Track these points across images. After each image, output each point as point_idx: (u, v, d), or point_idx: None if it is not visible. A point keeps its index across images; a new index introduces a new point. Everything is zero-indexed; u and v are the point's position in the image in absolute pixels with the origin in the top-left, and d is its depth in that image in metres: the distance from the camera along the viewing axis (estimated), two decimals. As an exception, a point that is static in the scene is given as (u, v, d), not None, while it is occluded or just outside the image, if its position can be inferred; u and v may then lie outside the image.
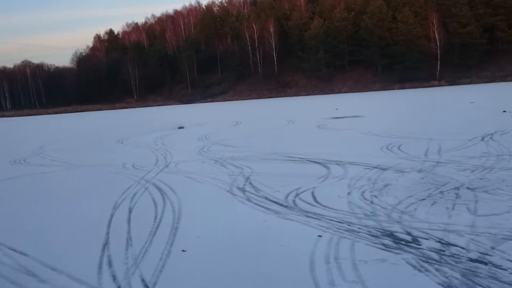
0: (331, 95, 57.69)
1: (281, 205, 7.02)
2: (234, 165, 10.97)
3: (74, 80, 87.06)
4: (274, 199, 7.38)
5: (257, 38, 74.38)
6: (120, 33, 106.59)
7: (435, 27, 57.69)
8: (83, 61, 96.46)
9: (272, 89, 70.27)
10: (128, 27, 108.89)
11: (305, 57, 69.08)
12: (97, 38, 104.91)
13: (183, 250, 5.34)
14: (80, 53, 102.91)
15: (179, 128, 22.30)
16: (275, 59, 73.19)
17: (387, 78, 59.61)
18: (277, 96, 66.25)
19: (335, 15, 67.95)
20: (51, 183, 11.06)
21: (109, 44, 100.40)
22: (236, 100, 68.09)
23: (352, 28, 66.64)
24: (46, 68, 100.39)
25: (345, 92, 60.84)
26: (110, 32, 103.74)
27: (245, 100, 64.59)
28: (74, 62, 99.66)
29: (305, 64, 68.80)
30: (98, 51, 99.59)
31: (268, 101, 56.31)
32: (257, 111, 37.01)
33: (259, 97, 66.92)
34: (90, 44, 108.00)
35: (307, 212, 6.53)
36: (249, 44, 75.47)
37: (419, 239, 5.13)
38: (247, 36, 75.52)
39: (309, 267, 4.58)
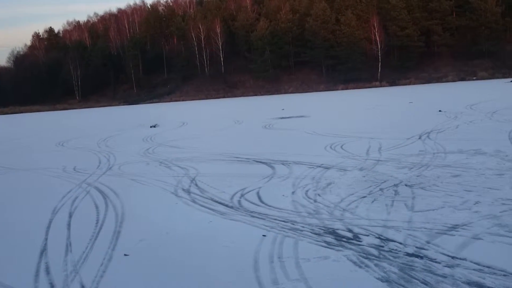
0: (278, 95, 58.37)
1: (227, 206, 7.02)
2: (179, 166, 10.85)
3: (11, 80, 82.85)
4: (220, 200, 7.36)
5: (203, 38, 73.91)
6: (60, 32, 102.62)
7: (376, 30, 59.75)
8: (21, 60, 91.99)
9: (219, 90, 70.09)
10: (70, 26, 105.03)
11: (252, 58, 69.44)
12: (36, 36, 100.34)
13: (125, 254, 5.22)
14: (18, 52, 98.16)
15: (151, 127, 22.02)
16: (222, 59, 73.05)
17: (332, 79, 61.05)
18: (224, 97, 66.17)
19: (280, 16, 68.75)
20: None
21: (49, 42, 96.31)
22: (183, 100, 67.38)
23: (297, 30, 67.66)
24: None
25: (291, 92, 61.70)
26: (50, 30, 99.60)
27: (192, 101, 64.08)
28: (11, 62, 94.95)
29: (252, 65, 69.16)
30: (37, 50, 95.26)
31: (216, 101, 56.18)
32: (204, 112, 36.81)
33: (207, 98, 66.59)
34: (29, 43, 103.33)
35: (252, 212, 6.56)
36: (195, 44, 74.84)
37: (360, 236, 5.28)
38: (193, 36, 74.89)
39: (253, 266, 4.60)
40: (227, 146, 14.04)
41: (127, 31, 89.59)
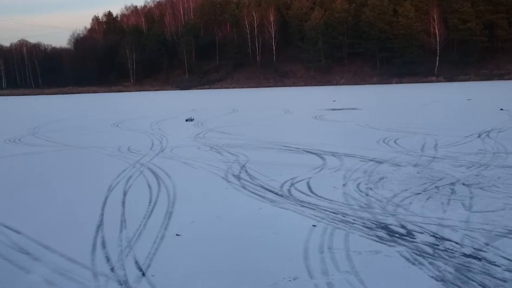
0: (329, 86, 57.62)
1: (276, 193, 7.01)
2: (229, 152, 10.94)
3: (70, 62, 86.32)
4: (270, 188, 7.36)
5: (256, 27, 73.89)
6: (118, 16, 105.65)
7: (436, 23, 57.56)
8: (81, 42, 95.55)
9: (269, 79, 70.02)
10: (127, 10, 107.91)
11: (304, 48, 68.80)
12: (95, 20, 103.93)
13: (177, 234, 5.32)
14: (78, 34, 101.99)
15: (186, 120, 19.49)
16: (274, 48, 72.86)
17: (385, 72, 59.52)
18: (274, 86, 66.07)
19: (335, 6, 67.56)
20: (46, 163, 11.01)
21: (107, 26, 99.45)
22: (233, 88, 67.87)
23: (352, 20, 66.33)
24: (42, 48, 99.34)
25: (342, 84, 60.75)
26: (109, 15, 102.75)
27: (243, 88, 64.39)
28: (71, 43, 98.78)
29: (304, 54, 68.55)
30: (96, 33, 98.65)
31: (266, 90, 56.18)
32: (254, 100, 36.91)
33: (257, 86, 66.71)
34: (88, 26, 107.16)
35: (302, 201, 6.51)
36: (248, 32, 75.00)
37: (414, 233, 5.13)
38: (246, 24, 75.03)
39: (302, 256, 4.57)
40: (277, 135, 14.01)
41: (182, 17, 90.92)
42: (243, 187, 7.53)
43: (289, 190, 7.16)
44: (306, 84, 64.62)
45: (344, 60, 67.98)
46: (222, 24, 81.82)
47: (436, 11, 57.99)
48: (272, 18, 72.53)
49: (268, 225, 5.55)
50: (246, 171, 8.71)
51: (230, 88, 68.51)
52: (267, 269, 4.33)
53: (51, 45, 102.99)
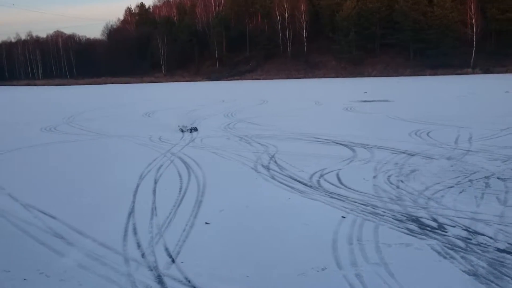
0: (360, 78, 56.76)
1: (306, 184, 7.00)
2: (259, 143, 10.96)
3: (104, 53, 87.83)
4: (299, 179, 7.35)
5: (287, 17, 73.33)
6: (150, 7, 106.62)
7: (473, 12, 55.77)
8: (114, 33, 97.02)
9: (300, 70, 69.49)
10: (159, 1, 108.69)
11: (336, 39, 67.88)
12: (128, 11, 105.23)
13: (206, 223, 5.39)
14: (111, 25, 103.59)
15: (182, 130, 17.70)
16: (304, 39, 72.15)
17: (419, 64, 58.14)
18: (305, 77, 65.55)
19: (369, -4, 66.28)
20: (80, 151, 11.29)
21: (140, 17, 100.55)
22: (263, 79, 67.70)
23: (385, 10, 64.95)
24: (77, 39, 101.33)
25: (374, 76, 59.73)
26: (141, 6, 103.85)
27: (273, 80, 64.15)
28: (105, 35, 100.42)
29: (335, 45, 67.64)
30: (128, 24, 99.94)
31: (296, 81, 55.82)
32: (284, 91, 36.76)
33: (287, 77, 66.34)
34: (121, 17, 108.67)
35: (331, 193, 6.48)
36: (279, 23, 74.50)
37: (445, 226, 5.04)
38: (277, 14, 74.50)
39: (331, 246, 4.57)
40: (306, 126, 13.94)
41: (213, 8, 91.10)
42: (272, 177, 7.55)
43: (318, 181, 7.13)
44: (337, 75, 63.85)
45: (376, 51, 66.73)
46: (253, 15, 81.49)
47: (474, 1, 56.18)
48: (303, 9, 71.76)
49: (297, 216, 5.55)
50: (276, 162, 8.71)
51: (260, 79, 68.38)
52: (296, 258, 4.34)
53: (85, 36, 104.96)
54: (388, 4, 64.77)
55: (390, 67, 61.76)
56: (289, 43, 74.91)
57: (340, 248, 4.52)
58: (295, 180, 7.29)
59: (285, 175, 7.62)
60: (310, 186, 6.88)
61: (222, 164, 8.85)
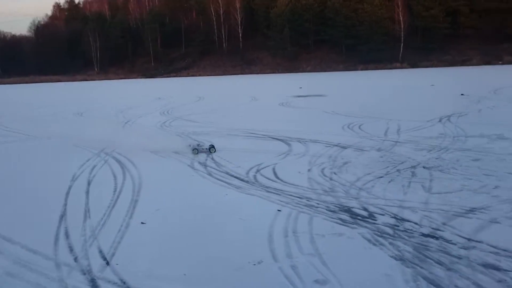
0: (296, 73, 57.82)
1: (242, 180, 7.05)
2: (196, 140, 10.89)
3: (31, 50, 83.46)
4: (236, 175, 7.39)
5: (222, 14, 73.23)
6: (81, 2, 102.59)
7: (400, 9, 58.36)
8: (42, 30, 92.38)
9: (236, 66, 69.65)
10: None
11: (271, 35, 68.65)
12: (57, 6, 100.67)
13: (142, 223, 5.30)
14: (39, 21, 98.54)
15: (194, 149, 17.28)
16: (240, 35, 72.39)
17: (351, 59, 60.08)
18: (241, 73, 65.79)
19: (301, -7, 67.53)
20: (7, 153, 10.70)
21: (69, 13, 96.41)
22: (200, 75, 67.24)
23: (318, 7, 66.52)
24: (2, 35, 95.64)
25: (309, 71, 61.05)
26: (71, 1, 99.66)
27: (209, 76, 63.91)
28: (32, 31, 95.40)
29: (271, 42, 68.40)
30: (57, 20, 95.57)
31: (232, 77, 55.96)
32: (221, 88, 36.74)
33: (224, 74, 66.27)
34: (49, 13, 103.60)
35: (267, 187, 6.58)
36: (214, 19, 74.26)
37: (375, 215, 5.27)
38: (212, 11, 74.24)
39: (267, 240, 4.64)
40: (243, 122, 14.02)
41: (147, 3, 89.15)
42: (209, 174, 7.54)
43: (255, 176, 7.21)
44: (273, 71, 64.62)
45: (310, 47, 68.20)
46: (188, 11, 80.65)
47: (400, -2, 58.80)
48: (238, 5, 71.95)
49: (234, 211, 5.58)
50: (213, 159, 8.71)
51: (196, 76, 67.85)
52: (233, 254, 4.37)
53: (10, 33, 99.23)
54: (320, 1, 66.32)
55: (324, 62, 63.34)
56: (225, 39, 74.86)
57: (276, 241, 4.61)
58: (232, 176, 7.33)
59: (222, 172, 7.64)
60: (247, 182, 6.94)
61: (158, 162, 8.72)
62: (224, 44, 75.00)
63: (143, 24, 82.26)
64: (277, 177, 7.11)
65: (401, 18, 58.09)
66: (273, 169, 7.62)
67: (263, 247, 4.46)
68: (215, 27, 74.44)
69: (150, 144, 10.08)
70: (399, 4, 58.47)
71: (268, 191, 6.37)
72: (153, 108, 20.46)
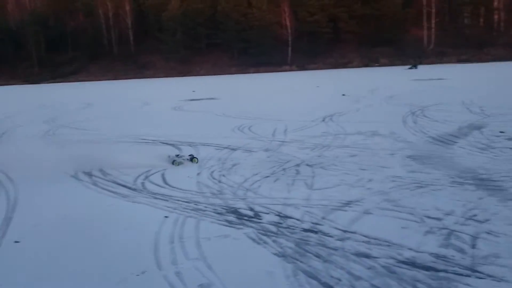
0: (189, 77, 57.64)
1: (130, 188, 6.85)
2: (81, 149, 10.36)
3: None
4: (123, 183, 7.17)
5: (111, 16, 70.61)
6: None
7: (286, 15, 60.90)
8: None
9: (128, 70, 67.56)
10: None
11: (163, 38, 67.67)
12: None
13: (16, 242, 4.91)
14: None
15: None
16: (131, 39, 70.39)
17: (243, 62, 61.42)
18: (133, 78, 63.96)
19: (192, -4, 67.49)
20: None
21: None
22: (89, 80, 64.14)
23: (209, 11, 66.98)
24: None
25: (203, 74, 61.21)
26: None
27: (99, 81, 61.24)
28: None
29: (163, 45, 67.43)
30: None
31: (124, 82, 54.18)
32: (111, 93, 35.39)
33: (115, 78, 63.93)
34: None
35: (155, 194, 6.46)
36: (103, 22, 71.33)
37: (261, 214, 5.42)
38: (101, 13, 71.25)
39: (153, 248, 4.55)
40: (133, 128, 13.65)
41: (28, 4, 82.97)
42: (94, 184, 7.22)
43: (143, 184, 7.05)
44: (166, 75, 63.74)
45: (203, 51, 68.43)
46: (74, 14, 76.48)
47: (287, 4, 61.35)
48: (127, 8, 69.91)
49: (118, 221, 5.41)
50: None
51: (86, 81, 64.62)
52: (115, 266, 4.22)
53: None
54: (211, 5, 66.83)
55: (217, 65, 63.93)
56: (115, 43, 72.26)
57: (161, 248, 4.54)
58: (119, 184, 7.09)
59: (108, 181, 7.36)
60: (134, 189, 6.76)
61: (38, 174, 8.13)
62: (114, 48, 72.36)
63: (24, 26, 76.37)
64: (166, 183, 7.02)
65: (288, 23, 60.59)
66: (162, 175, 7.50)
67: (147, 256, 4.37)
68: (105, 30, 71.56)
69: (31, 155, 9.38)
70: (286, 10, 60.98)
71: (156, 198, 6.26)
72: (35, 116, 19.10)
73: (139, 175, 7.53)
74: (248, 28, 62.75)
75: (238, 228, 5.00)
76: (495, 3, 57.50)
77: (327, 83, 30.55)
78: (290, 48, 60.24)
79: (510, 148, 8.25)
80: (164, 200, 6.14)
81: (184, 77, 57.47)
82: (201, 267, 4.09)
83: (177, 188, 6.66)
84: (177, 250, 4.47)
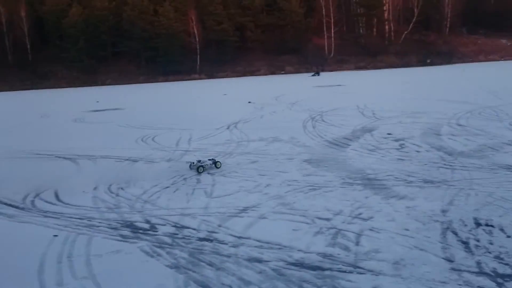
0: (94, 87, 55.30)
1: (17, 207, 6.43)
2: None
3: None
4: (10, 202, 6.70)
5: (5, 23, 65.80)
6: None
7: (194, 23, 60.75)
8: None
9: (26, 80, 63.18)
10: None
11: (65, 47, 64.34)
12: None
13: None
14: None
15: None
16: (28, 47, 66.09)
17: (151, 71, 60.16)
18: (32, 88, 60.00)
19: (95, 3, 64.98)
20: None
21: None
22: (-19, 92, 59.21)
23: (113, 19, 64.86)
24: None
25: (109, 84, 58.98)
26: None
27: (-7, 93, 56.74)
28: None
29: (65, 54, 64.08)
30: None
31: (21, 93, 50.67)
32: (4, 105, 32.94)
33: (11, 89, 59.48)
34: None
35: (45, 212, 6.12)
36: (-5, 28, 66.26)
37: (157, 226, 5.34)
38: (-8, 19, 66.14)
39: (37, 269, 4.30)
40: (28, 142, 12.80)
41: None
42: (-23, 205, 6.67)
43: (32, 202, 6.64)
44: (69, 85, 60.55)
45: (109, 60, 66.01)
46: (-39, 19, 70.25)
47: (194, 12, 61.22)
48: (23, 14, 65.58)
49: (2, 244, 5.04)
50: (-16, 186, 7.72)
51: (-23, 93, 59.56)
52: (-6, 292, 3.93)
53: None
54: (116, 13, 64.85)
55: (123, 75, 61.98)
56: (10, 51, 67.42)
57: (47, 269, 4.30)
58: (6, 204, 6.62)
59: (-7, 201, 6.83)
60: (22, 209, 6.35)
61: None
62: (9, 57, 67.46)
63: None
64: (59, 200, 6.67)
65: (195, 32, 60.55)
66: (55, 192, 7.10)
67: (31, 279, 4.12)
68: (-3, 37, 66.44)
69: None
70: (193, 18, 60.92)
71: (46, 216, 5.93)
72: None
73: (28, 194, 7.07)
74: (155, 36, 61.66)
75: (132, 242, 4.89)
76: (386, 15, 61.89)
77: (234, 91, 30.89)
78: (198, 57, 60.10)
79: (396, 148, 8.92)
80: (55, 218, 5.83)
81: (88, 87, 55.07)
82: (89, 286, 3.94)
83: (71, 205, 6.36)
84: (64, 270, 4.27)
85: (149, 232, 5.17)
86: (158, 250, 4.64)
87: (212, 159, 8.25)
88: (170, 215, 5.70)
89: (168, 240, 4.89)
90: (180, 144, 10.98)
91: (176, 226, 5.30)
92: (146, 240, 4.93)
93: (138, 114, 19.48)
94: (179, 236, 4.99)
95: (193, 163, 8.07)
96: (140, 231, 5.22)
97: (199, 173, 7.73)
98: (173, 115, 17.97)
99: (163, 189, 6.92)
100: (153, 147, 10.74)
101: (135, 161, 9.21)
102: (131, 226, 5.39)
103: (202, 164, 7.94)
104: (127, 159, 9.39)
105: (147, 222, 5.49)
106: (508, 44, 60.60)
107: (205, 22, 61.81)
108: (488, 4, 67.21)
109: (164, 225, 5.36)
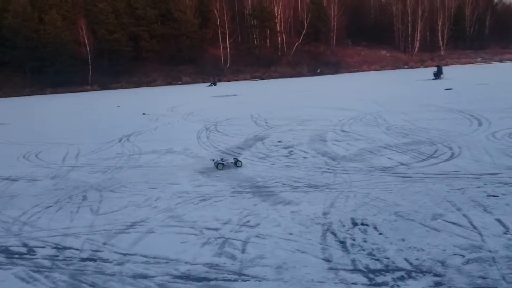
0: (-28, 101, 50.43)
1: None
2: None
3: None
4: None
5: None
6: None
7: (84, 32, 58.12)
8: None
9: None
10: None
11: None
12: None
13: None
14: None
15: None
16: None
17: (38, 82, 56.33)
18: None
19: (-30, 9, 59.49)
20: None
21: None
22: None
23: (-6, 26, 59.89)
24: None
25: (-11, 97, 54.20)
26: None
27: None
28: None
29: None
30: None
31: None
32: None
33: None
34: None
35: None
36: None
37: (35, 249, 5.01)
38: None
39: None
40: None
41: None
42: None
43: None
44: None
45: (-12, 71, 60.75)
46: None
47: (84, 21, 58.57)
48: None
49: None
50: None
51: None
52: None
53: None
54: (-7, 20, 59.90)
55: (7, 86, 57.29)
56: None
57: None
58: None
59: None
60: None
61: None
62: None
63: None
64: None
65: (86, 41, 57.99)
66: None
67: None
68: None
69: None
70: (83, 27, 58.31)
71: None
72: None
73: None
74: (41, 46, 57.93)
75: (6, 269, 4.53)
76: (278, 27, 64.41)
77: (129, 102, 30.02)
78: (90, 67, 57.51)
79: (285, 155, 9.28)
80: None
81: (-36, 101, 50.04)
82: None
83: None
84: None
85: (26, 256, 4.83)
86: (35, 275, 4.35)
87: (235, 158, 8.76)
88: (51, 236, 5.37)
89: (47, 263, 4.60)
90: (66, 160, 10.41)
91: (57, 247, 5.01)
92: (22, 265, 4.60)
93: (22, 129, 18.15)
94: (60, 258, 4.72)
95: (215, 160, 8.57)
96: (16, 256, 4.85)
97: (218, 169, 8.24)
98: (61, 129, 17.02)
99: (44, 209, 6.51)
100: (36, 164, 10.06)
101: (15, 180, 8.56)
102: (5, 251, 4.99)
103: (223, 162, 8.49)
104: (5, 179, 8.70)
105: (25, 245, 5.13)
106: (388, 55, 66.26)
107: (96, 31, 59.45)
108: (369, 19, 73.36)
109: (44, 247, 5.03)
